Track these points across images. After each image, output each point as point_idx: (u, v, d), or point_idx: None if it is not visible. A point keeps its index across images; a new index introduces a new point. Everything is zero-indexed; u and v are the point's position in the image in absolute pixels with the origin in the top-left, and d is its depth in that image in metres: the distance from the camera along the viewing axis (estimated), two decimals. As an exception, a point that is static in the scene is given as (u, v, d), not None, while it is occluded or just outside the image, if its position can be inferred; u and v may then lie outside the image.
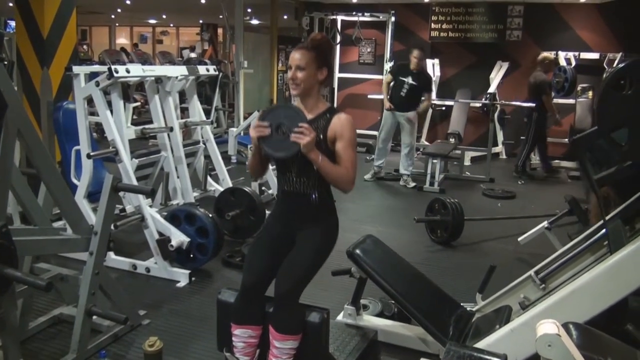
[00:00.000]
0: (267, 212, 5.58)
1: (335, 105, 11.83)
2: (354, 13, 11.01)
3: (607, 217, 3.20)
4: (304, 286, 2.72)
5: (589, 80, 9.12)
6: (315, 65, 2.70)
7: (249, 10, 14.54)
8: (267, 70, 11.98)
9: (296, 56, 2.69)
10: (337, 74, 11.91)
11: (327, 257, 2.81)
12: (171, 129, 5.32)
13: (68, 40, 5.97)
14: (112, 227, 3.78)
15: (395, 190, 8.15)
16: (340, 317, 3.63)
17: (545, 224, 5.16)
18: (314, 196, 2.73)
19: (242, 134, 8.39)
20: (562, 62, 9.62)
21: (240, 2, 10.09)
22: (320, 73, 2.74)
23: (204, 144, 6.10)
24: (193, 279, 4.56)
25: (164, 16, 20.74)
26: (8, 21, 16.31)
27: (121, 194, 4.44)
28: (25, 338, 3.47)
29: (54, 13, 5.79)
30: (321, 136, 2.66)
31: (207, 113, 6.36)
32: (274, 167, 2.89)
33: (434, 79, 10.86)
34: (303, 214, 2.77)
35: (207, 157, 6.16)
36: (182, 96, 6.71)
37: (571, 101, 9.38)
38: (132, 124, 5.80)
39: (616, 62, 9.07)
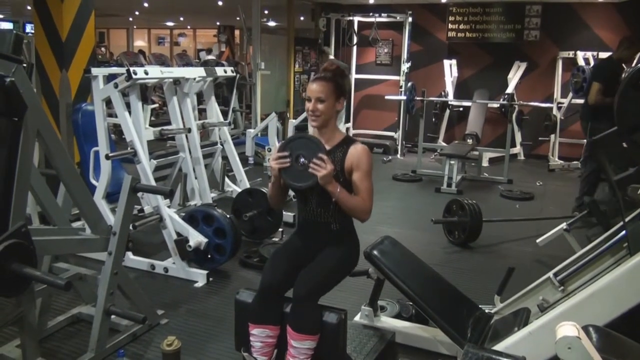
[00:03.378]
0: (284, 213, 5.61)
1: (352, 106, 11.84)
2: (370, 14, 10.99)
3: (627, 219, 3.16)
4: (322, 291, 2.75)
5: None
6: (335, 95, 2.74)
7: (266, 11, 14.55)
8: (283, 71, 11.98)
9: (316, 88, 2.72)
10: (354, 75, 11.89)
11: (345, 276, 2.87)
12: (189, 130, 5.34)
13: (86, 43, 6.02)
14: (130, 227, 3.80)
15: (412, 191, 8.13)
16: (357, 318, 3.62)
17: (564, 225, 5.11)
18: (333, 225, 2.80)
19: (259, 135, 8.41)
20: (581, 62, 9.54)
21: (257, 3, 10.11)
22: (339, 103, 2.78)
23: (222, 145, 6.12)
24: (211, 279, 4.57)
25: (182, 18, 20.84)
26: (26, 24, 16.51)
27: (140, 194, 4.47)
28: (44, 337, 3.51)
29: (73, 16, 5.84)
30: (339, 168, 2.70)
31: (225, 114, 6.38)
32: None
33: (451, 79, 10.84)
34: (323, 239, 2.84)
35: (225, 158, 6.18)
36: (200, 97, 6.74)
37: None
38: (150, 125, 5.84)
39: (635, 61, 8.96)
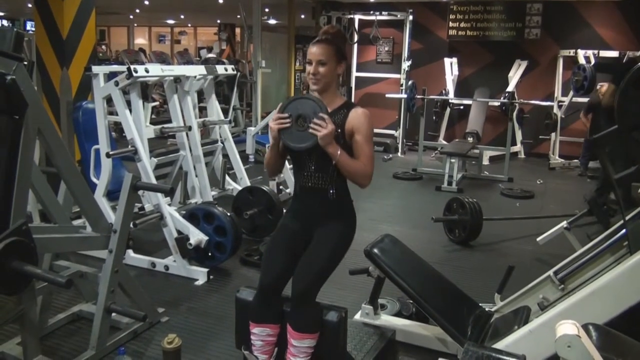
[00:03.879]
0: (285, 210, 5.60)
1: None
2: (371, 12, 10.99)
3: (627, 217, 3.17)
4: (320, 284, 2.71)
5: (608, 78, 9.00)
6: (336, 59, 2.68)
7: (267, 10, 14.57)
8: (284, 69, 12.00)
9: (317, 51, 2.65)
10: (355, 73, 11.90)
11: (344, 254, 2.79)
12: (190, 128, 5.34)
13: (87, 41, 6.02)
14: (131, 225, 3.80)
15: (412, 189, 8.13)
16: (357, 317, 3.62)
17: (564, 224, 5.12)
18: (331, 191, 2.70)
19: (259, 133, 8.40)
20: (582, 61, 9.54)
21: (258, 1, 10.12)
22: (340, 67, 2.72)
23: (222, 143, 6.12)
24: (211, 277, 4.58)
25: (182, 16, 20.84)
26: (27, 22, 16.51)
27: (140, 192, 4.48)
28: (45, 334, 3.51)
29: (73, 14, 5.84)
30: (339, 130, 2.63)
31: (225, 112, 6.38)
32: (291, 166, 2.87)
33: (452, 78, 10.84)
34: (321, 209, 2.75)
35: (225, 156, 6.18)
36: (200, 95, 6.74)
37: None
38: (151, 123, 5.83)
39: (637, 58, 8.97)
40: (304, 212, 2.81)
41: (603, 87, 8.32)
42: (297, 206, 2.86)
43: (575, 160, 9.70)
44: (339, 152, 2.56)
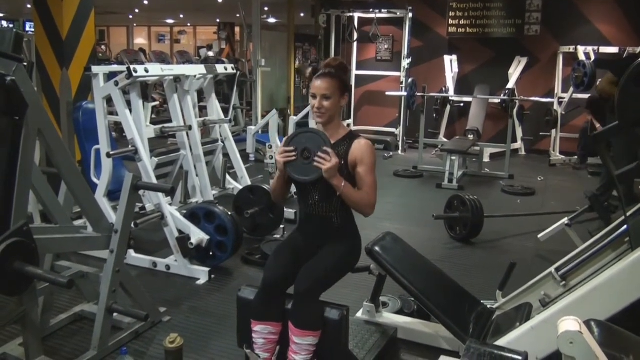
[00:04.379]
0: (286, 209, 5.61)
1: (352, 103, 11.83)
2: (370, 10, 10.98)
3: (628, 213, 3.16)
4: (324, 287, 2.75)
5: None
6: (339, 92, 2.74)
7: (266, 8, 14.56)
8: (284, 68, 11.98)
9: (321, 85, 2.70)
10: (355, 72, 11.89)
11: (349, 270, 2.88)
12: (190, 128, 5.34)
13: (87, 41, 6.02)
14: (132, 225, 3.80)
15: (413, 187, 8.13)
16: (359, 314, 3.62)
17: (565, 220, 5.12)
18: (335, 220, 2.79)
19: (260, 132, 8.40)
20: (582, 57, 9.53)
21: (257, 0, 10.11)
22: (343, 99, 2.77)
23: (223, 142, 6.11)
24: (213, 276, 4.58)
25: (182, 16, 20.83)
26: (26, 23, 16.50)
27: (141, 192, 4.47)
28: (47, 335, 3.51)
29: (73, 14, 5.84)
30: (342, 161, 2.70)
31: (225, 111, 6.36)
32: (295, 191, 2.93)
33: (452, 75, 10.83)
34: (326, 234, 2.82)
35: (226, 155, 6.17)
36: (200, 95, 6.73)
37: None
38: (151, 123, 5.83)
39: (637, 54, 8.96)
40: (309, 235, 2.89)
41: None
42: (303, 230, 2.94)
43: (577, 157, 9.70)
44: (342, 184, 2.63)
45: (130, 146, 4.76)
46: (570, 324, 1.67)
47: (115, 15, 18.37)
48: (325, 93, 2.69)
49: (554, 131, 10.17)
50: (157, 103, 11.65)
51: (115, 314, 3.39)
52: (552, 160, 9.94)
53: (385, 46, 12.02)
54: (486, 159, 9.68)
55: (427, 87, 9.73)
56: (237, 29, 19.12)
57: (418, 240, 5.09)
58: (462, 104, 11.30)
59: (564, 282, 3.30)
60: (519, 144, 10.73)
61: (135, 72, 4.64)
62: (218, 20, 18.94)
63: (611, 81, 6.02)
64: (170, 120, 5.45)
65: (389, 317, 3.64)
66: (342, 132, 2.80)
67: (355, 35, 11.33)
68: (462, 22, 11.01)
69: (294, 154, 2.67)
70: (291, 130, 7.40)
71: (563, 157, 9.94)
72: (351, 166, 2.72)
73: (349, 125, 11.52)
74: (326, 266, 2.74)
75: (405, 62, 10.80)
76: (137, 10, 18.46)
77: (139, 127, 4.83)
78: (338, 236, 2.82)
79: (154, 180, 4.79)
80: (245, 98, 12.15)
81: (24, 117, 2.69)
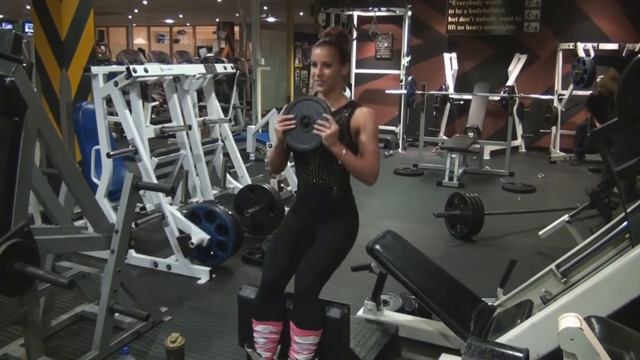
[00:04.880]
0: (287, 208, 5.60)
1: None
2: (370, 8, 10.97)
3: (629, 210, 3.16)
4: (323, 282, 2.72)
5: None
6: (340, 60, 2.70)
7: (265, 7, 14.56)
8: (283, 67, 12.01)
9: (321, 52, 2.67)
10: (354, 70, 11.89)
11: (348, 252, 2.80)
12: (190, 128, 5.34)
13: (86, 42, 6.02)
14: (132, 225, 3.80)
15: (414, 185, 8.13)
16: (360, 313, 3.62)
17: (565, 217, 5.12)
18: (335, 188, 2.72)
19: (260, 131, 8.40)
20: (581, 54, 9.52)
21: (257, -1, 10.12)
22: (344, 67, 2.74)
23: (223, 141, 6.12)
24: (213, 276, 4.58)
25: (181, 15, 20.84)
26: (26, 24, 16.51)
27: (141, 192, 4.48)
28: (48, 335, 3.51)
29: (72, 15, 5.84)
30: (344, 128, 2.65)
31: (225, 111, 6.36)
32: (292, 164, 2.88)
33: (451, 73, 10.83)
34: (324, 207, 2.76)
35: (226, 154, 6.18)
36: (200, 95, 6.73)
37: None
38: (151, 123, 5.83)
39: (636, 51, 8.96)
40: (307, 210, 2.82)
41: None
42: (301, 204, 2.87)
43: (574, 155, 9.71)
44: (343, 152, 2.58)
45: (130, 146, 4.77)
46: (570, 320, 1.67)
47: (114, 15, 18.38)
48: (326, 60, 2.66)
49: (554, 128, 10.17)
50: (156, 103, 11.64)
51: (116, 314, 3.39)
52: (552, 157, 9.94)
53: (385, 44, 12.02)
54: (486, 157, 9.69)
55: (426, 85, 9.73)
56: (236, 29, 19.12)
57: (419, 238, 5.09)
58: (462, 102, 11.30)
59: (564, 279, 3.31)
60: (519, 142, 10.72)
61: (135, 72, 4.64)
62: (217, 20, 18.95)
63: (613, 77, 6.02)
64: (170, 120, 5.45)
65: (390, 315, 3.63)
66: (343, 101, 2.76)
67: (355, 34, 11.32)
68: (461, 19, 11.01)
69: (293, 122, 2.62)
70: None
71: (563, 154, 9.94)
72: (353, 133, 2.67)
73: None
74: (325, 257, 2.70)
75: (404, 60, 10.79)
76: (136, 11, 18.47)
77: (138, 127, 4.83)
78: (337, 210, 2.76)
79: (154, 180, 4.80)
80: (245, 97, 12.16)
81: (24, 118, 2.69)
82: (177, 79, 5.27)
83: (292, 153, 2.82)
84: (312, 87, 2.79)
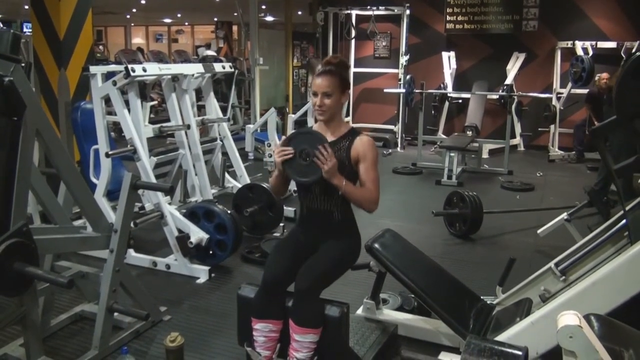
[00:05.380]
0: (285, 207, 5.61)
1: (351, 100, 11.83)
2: (368, 7, 10.97)
3: (627, 208, 3.17)
4: (323, 285, 2.75)
5: (607, 69, 8.99)
6: (340, 89, 2.74)
7: (263, 6, 14.56)
8: (282, 66, 11.99)
9: (322, 83, 2.70)
10: (353, 69, 11.87)
11: (348, 268, 2.88)
12: (188, 127, 5.34)
13: (84, 41, 6.02)
14: (131, 224, 3.80)
15: (412, 184, 8.13)
16: (359, 311, 3.62)
17: (564, 215, 5.12)
18: (336, 214, 2.79)
19: (258, 130, 8.40)
20: (579, 52, 9.52)
21: (255, -2, 10.12)
22: (344, 96, 2.78)
23: (221, 141, 6.12)
24: (213, 275, 4.58)
25: (179, 15, 20.81)
26: (24, 24, 16.49)
27: (140, 191, 4.47)
28: (47, 335, 3.51)
29: (70, 14, 5.83)
30: (345, 156, 2.71)
31: (224, 110, 6.36)
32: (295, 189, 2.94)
33: (450, 71, 10.83)
34: (326, 229, 2.83)
35: (225, 154, 6.17)
36: (199, 94, 6.74)
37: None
38: (149, 122, 5.83)
39: (634, 49, 8.96)
40: (310, 230, 2.89)
41: (602, 78, 8.34)
42: (303, 225, 2.93)
43: (574, 153, 9.71)
44: (344, 183, 2.64)
45: (129, 146, 4.76)
46: (569, 318, 1.67)
47: (112, 15, 18.35)
48: (326, 91, 2.69)
49: (552, 126, 10.17)
50: (155, 102, 11.64)
51: (115, 314, 3.39)
52: (551, 155, 9.94)
53: (383, 43, 12.01)
54: (485, 155, 9.69)
55: (425, 84, 9.72)
56: (234, 28, 19.11)
57: (417, 237, 5.09)
58: (460, 101, 11.29)
59: (563, 277, 3.31)
60: (517, 140, 10.72)
61: (133, 71, 4.64)
62: (216, 19, 18.94)
63: None
64: (168, 120, 5.45)
65: (389, 314, 3.64)
66: (343, 129, 2.81)
67: (353, 33, 11.31)
68: (459, 18, 11.00)
69: (291, 151, 2.67)
70: (290, 128, 7.40)
71: (562, 152, 9.94)
72: (353, 161, 2.73)
73: (347, 122, 11.52)
74: (326, 263, 2.75)
75: (403, 59, 10.79)
76: (134, 10, 18.45)
77: (137, 126, 4.83)
78: (338, 232, 2.83)
79: (153, 180, 4.79)
80: (244, 96, 12.14)
81: (22, 118, 2.69)
82: (175, 78, 5.26)
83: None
84: (314, 115, 2.83)
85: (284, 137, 2.80)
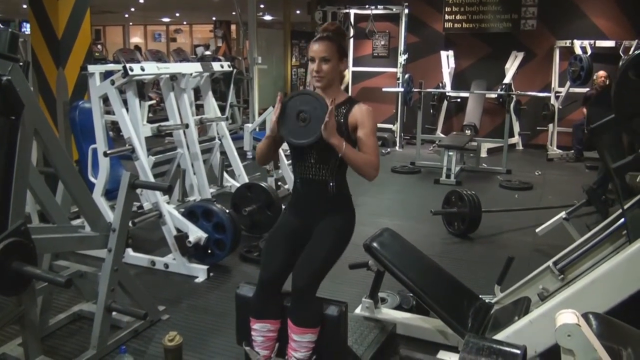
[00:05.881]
0: (284, 207, 5.60)
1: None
2: (366, 6, 10.97)
3: (626, 206, 3.17)
4: (321, 279, 2.72)
5: (605, 68, 8.99)
6: (338, 55, 2.70)
7: (262, 6, 14.55)
8: (280, 65, 12.00)
9: (319, 48, 2.66)
10: (351, 68, 11.88)
11: (345, 249, 2.80)
12: (187, 126, 5.34)
13: (82, 40, 6.01)
14: (130, 224, 3.80)
15: (411, 183, 8.14)
16: (358, 311, 3.62)
17: (563, 214, 5.12)
18: (331, 184, 2.72)
19: (257, 129, 8.40)
20: (578, 51, 9.53)
21: (253, -2, 10.11)
22: (342, 63, 2.74)
23: (220, 140, 6.12)
24: (211, 274, 4.58)
25: (177, 14, 20.82)
26: (23, 23, 16.48)
27: (138, 191, 4.47)
28: (46, 335, 3.51)
29: (68, 14, 5.82)
30: (341, 123, 2.65)
31: (222, 109, 6.36)
32: (289, 162, 2.89)
33: (448, 70, 10.83)
34: (320, 203, 2.76)
35: (223, 153, 6.18)
36: (197, 93, 6.73)
37: (586, 90, 9.28)
38: (148, 121, 5.84)
39: (632, 49, 8.97)
40: (303, 206, 2.82)
41: (599, 76, 8.35)
42: (297, 201, 2.87)
43: (572, 152, 9.72)
44: (343, 144, 2.56)
45: (127, 145, 4.76)
46: (568, 316, 1.67)
47: (110, 14, 18.35)
48: (324, 55, 2.65)
49: (551, 125, 10.17)
50: (153, 102, 11.64)
51: (114, 313, 3.39)
52: (549, 154, 9.95)
53: (382, 42, 12.01)
54: (483, 154, 9.70)
55: (423, 83, 9.73)
56: (233, 27, 19.11)
57: (416, 236, 5.10)
58: (459, 100, 11.30)
59: (562, 276, 3.31)
60: (516, 139, 10.73)
61: (132, 70, 4.64)
62: (214, 19, 18.93)
63: None
64: (167, 119, 5.45)
65: (387, 313, 3.64)
66: (341, 97, 2.75)
67: (352, 32, 11.32)
68: (458, 17, 11.01)
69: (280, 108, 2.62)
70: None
71: (560, 151, 9.95)
72: (351, 129, 2.67)
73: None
74: (321, 255, 2.69)
75: (401, 58, 10.79)
76: (132, 9, 18.45)
77: (135, 125, 4.83)
78: (333, 206, 2.76)
79: (152, 179, 4.79)
80: (242, 96, 12.14)
81: (21, 117, 2.68)
82: (174, 77, 5.27)
83: (289, 149, 2.81)
84: (310, 83, 2.77)
85: (280, 95, 2.70)
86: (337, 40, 2.70)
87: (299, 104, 2.61)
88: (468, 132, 10.04)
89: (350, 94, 11.55)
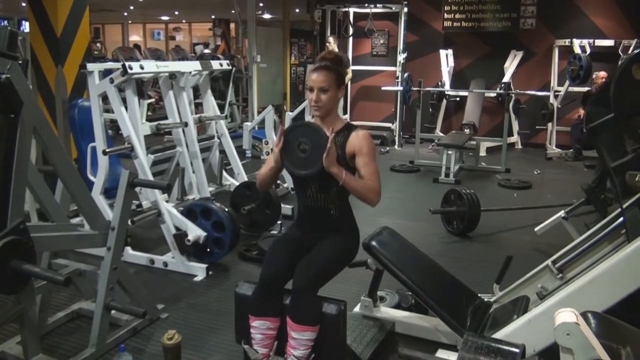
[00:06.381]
0: (283, 205, 5.61)
1: (349, 98, 11.82)
2: (366, 5, 10.97)
3: (625, 205, 3.17)
4: (321, 281, 2.75)
5: (604, 67, 8.99)
6: (336, 84, 2.74)
7: (261, 4, 14.53)
8: (280, 64, 11.98)
9: (319, 78, 2.70)
10: (350, 67, 11.86)
11: (347, 263, 2.88)
12: (186, 125, 5.33)
13: (81, 39, 6.00)
14: (129, 222, 3.80)
15: (410, 182, 8.14)
16: (357, 309, 3.63)
17: (562, 213, 5.13)
18: (333, 212, 2.79)
19: (256, 128, 8.40)
20: (577, 50, 9.53)
21: (252, -4, 10.10)
22: (340, 92, 2.78)
23: (219, 138, 6.11)
24: (210, 272, 4.58)
25: (176, 12, 20.80)
26: (22, 21, 16.45)
27: (137, 189, 4.47)
28: (45, 333, 3.51)
29: (67, 12, 5.81)
30: (340, 152, 2.70)
31: (221, 108, 6.37)
32: (292, 187, 2.95)
33: (447, 69, 10.83)
34: (324, 227, 2.83)
35: (222, 151, 6.17)
36: (196, 91, 6.73)
37: (586, 89, 9.27)
38: (147, 120, 5.83)
39: (631, 48, 8.97)
40: (308, 228, 2.89)
41: (599, 76, 8.35)
42: (302, 223, 2.94)
43: (571, 151, 9.72)
44: (343, 173, 2.62)
45: (126, 143, 4.76)
46: (567, 315, 1.68)
47: (109, 12, 18.33)
48: (322, 86, 2.69)
49: (550, 124, 10.17)
50: (152, 100, 11.64)
51: (113, 311, 3.39)
52: (548, 153, 9.95)
53: (381, 41, 12.00)
54: (482, 153, 9.69)
55: (423, 82, 9.72)
56: (232, 25, 19.08)
57: (415, 235, 5.09)
58: (458, 98, 11.28)
59: (560, 275, 3.31)
60: (515, 138, 10.73)
61: (131, 69, 4.63)
62: (213, 17, 18.91)
63: None
64: (166, 117, 5.45)
65: (386, 312, 3.64)
66: (339, 124, 2.79)
67: (351, 31, 11.32)
68: (457, 16, 11.00)
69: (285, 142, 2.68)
70: (287, 126, 7.40)
71: (559, 150, 9.94)
72: (349, 157, 2.72)
73: (345, 118, 11.52)
74: (324, 260, 2.74)
75: (401, 57, 10.79)
76: (131, 8, 18.43)
77: (134, 124, 4.82)
78: (337, 229, 2.83)
79: (151, 177, 4.79)
80: (241, 94, 12.13)
81: (19, 115, 2.68)
82: (173, 76, 5.26)
83: (291, 178, 2.88)
84: (311, 113, 2.81)
85: (281, 128, 2.75)
86: (335, 69, 2.74)
87: (299, 135, 2.67)
88: (467, 131, 10.03)
89: (349, 93, 11.58)
